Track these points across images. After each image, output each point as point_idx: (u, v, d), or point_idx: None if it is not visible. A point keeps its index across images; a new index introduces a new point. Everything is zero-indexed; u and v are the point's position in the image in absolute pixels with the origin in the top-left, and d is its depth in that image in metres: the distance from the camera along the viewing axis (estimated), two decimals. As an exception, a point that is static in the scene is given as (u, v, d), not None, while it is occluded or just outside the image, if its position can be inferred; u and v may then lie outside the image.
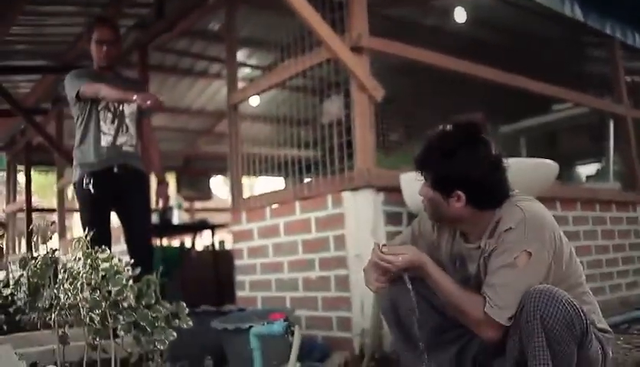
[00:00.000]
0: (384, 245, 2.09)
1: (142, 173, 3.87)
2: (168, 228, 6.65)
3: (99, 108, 3.71)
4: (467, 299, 1.93)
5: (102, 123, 3.71)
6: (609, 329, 2.06)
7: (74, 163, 3.80)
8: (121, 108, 3.76)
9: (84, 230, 2.33)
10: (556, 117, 6.11)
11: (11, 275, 3.73)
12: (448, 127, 2.03)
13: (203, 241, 10.16)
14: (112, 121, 3.73)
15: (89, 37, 3.84)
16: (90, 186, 3.63)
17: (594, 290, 4.31)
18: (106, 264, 2.21)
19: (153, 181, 4.09)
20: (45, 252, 2.50)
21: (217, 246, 7.45)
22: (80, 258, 2.26)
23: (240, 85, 4.50)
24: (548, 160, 3.19)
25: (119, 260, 2.25)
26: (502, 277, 1.88)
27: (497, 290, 1.87)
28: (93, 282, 2.17)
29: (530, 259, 1.87)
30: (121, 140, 3.74)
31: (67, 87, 3.79)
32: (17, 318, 3.17)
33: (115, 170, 3.69)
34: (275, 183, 4.84)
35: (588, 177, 6.45)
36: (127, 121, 3.77)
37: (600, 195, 4.90)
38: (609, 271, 4.71)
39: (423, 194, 2.06)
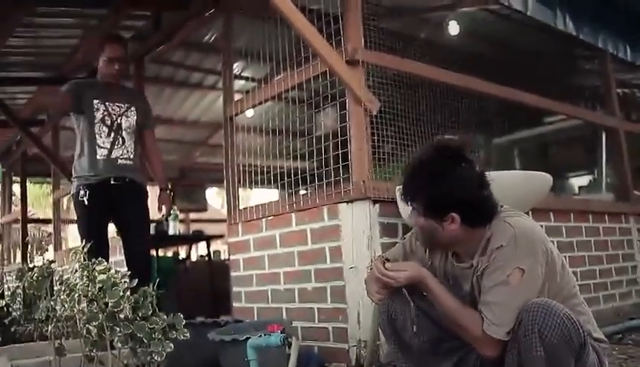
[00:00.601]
0: (387, 260, 2.11)
1: (139, 184, 3.89)
2: (163, 239, 6.65)
3: (95, 122, 3.75)
4: (467, 316, 1.94)
5: (97, 137, 3.75)
6: (605, 339, 2.08)
7: (72, 175, 3.84)
8: (118, 121, 3.79)
9: (82, 242, 2.35)
10: (549, 129, 6.16)
11: (6, 286, 3.74)
12: (429, 152, 2.05)
13: (197, 251, 10.17)
14: (108, 135, 3.77)
15: (98, 52, 3.88)
16: (85, 199, 3.67)
17: (588, 300, 4.33)
18: (103, 276, 2.22)
19: (154, 191, 4.12)
20: (41, 264, 2.52)
21: (211, 257, 7.46)
22: (76, 270, 2.27)
23: (236, 97, 4.52)
24: (542, 173, 3.22)
25: (116, 271, 2.26)
26: (496, 295, 1.89)
27: (492, 308, 1.88)
28: (89, 294, 2.18)
29: (523, 276, 1.87)
30: (116, 153, 3.77)
31: (66, 86, 3.86)
32: (13, 329, 3.18)
33: (112, 181, 3.72)
34: (271, 194, 4.88)
35: (581, 189, 6.49)
36: (124, 134, 3.81)
37: (593, 206, 4.94)
38: (603, 282, 4.74)
39: (415, 224, 2.08)
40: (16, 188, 10.34)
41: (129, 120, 3.84)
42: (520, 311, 1.84)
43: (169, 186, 4.12)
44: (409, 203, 2.07)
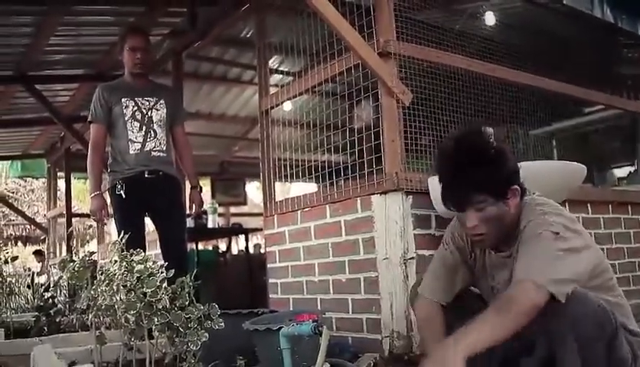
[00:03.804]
0: None
1: (174, 177, 3.97)
2: (202, 232, 6.75)
3: (127, 119, 3.83)
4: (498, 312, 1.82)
5: (129, 132, 3.84)
6: (639, 330, 2.07)
7: (108, 170, 3.94)
8: (149, 114, 3.87)
9: (119, 234, 2.43)
10: (588, 119, 6.06)
11: (52, 279, 3.86)
12: (454, 148, 2.03)
13: (238, 245, 10.29)
14: (140, 129, 3.86)
15: (122, 46, 3.97)
16: (122, 192, 3.76)
17: (627, 293, 4.27)
18: (141, 266, 2.29)
19: (188, 186, 4.20)
20: (83, 255, 2.60)
21: (251, 250, 7.56)
22: (115, 261, 2.34)
23: (273, 91, 4.56)
24: (575, 163, 3.19)
25: (153, 262, 2.32)
26: (527, 254, 1.88)
27: (526, 262, 1.86)
28: (128, 284, 2.25)
29: (557, 237, 1.85)
30: (150, 145, 3.85)
31: (92, 103, 3.95)
32: (58, 320, 3.29)
33: (146, 175, 3.81)
34: (309, 187, 4.93)
35: (620, 180, 6.37)
36: (155, 127, 3.89)
37: (633, 197, 4.85)
38: (643, 274, 4.67)
39: (484, 217, 2.01)
40: (61, 183, 10.59)
41: (160, 113, 3.92)
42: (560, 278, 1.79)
43: (200, 183, 4.18)
44: (466, 206, 2.02)
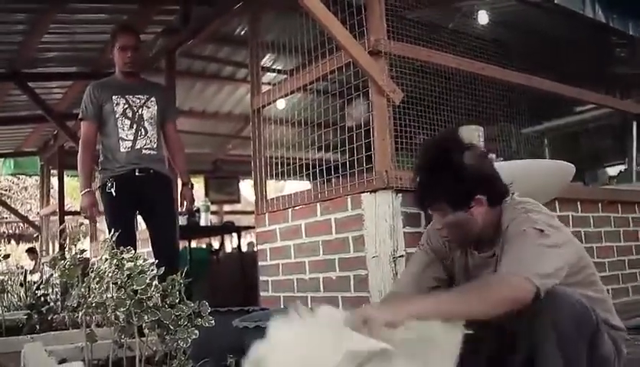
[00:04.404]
0: None
1: (165, 175, 3.98)
2: (195, 230, 6.76)
3: (117, 117, 3.85)
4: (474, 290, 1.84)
5: (120, 130, 3.85)
6: (623, 327, 2.09)
7: (99, 168, 3.95)
8: (139, 112, 3.89)
9: (109, 232, 2.44)
10: (579, 118, 6.10)
11: (44, 277, 3.86)
12: (430, 153, 2.09)
13: (232, 243, 10.30)
14: (131, 126, 3.87)
15: (112, 44, 3.98)
16: (113, 190, 3.77)
17: (616, 291, 4.34)
18: (131, 264, 2.30)
19: (179, 184, 4.21)
20: (74, 252, 2.60)
21: (245, 248, 7.57)
22: (106, 259, 2.35)
23: (266, 89, 4.58)
24: (564, 162, 3.22)
25: (144, 260, 2.33)
26: (510, 249, 1.89)
27: (510, 258, 1.86)
28: (118, 281, 2.26)
29: (541, 234, 1.86)
30: (140, 143, 3.86)
31: (83, 101, 3.95)
32: (50, 318, 3.29)
33: (137, 173, 3.82)
34: (302, 185, 4.93)
35: (611, 178, 6.41)
36: (145, 124, 3.90)
37: (623, 196, 4.88)
38: (632, 273, 4.68)
39: (445, 223, 2.06)
40: (54, 181, 10.57)
41: (150, 110, 3.93)
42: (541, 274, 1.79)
43: (191, 180, 4.19)
44: (429, 210, 2.08)
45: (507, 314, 1.77)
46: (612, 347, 1.98)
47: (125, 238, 2.70)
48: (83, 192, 3.83)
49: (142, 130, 3.89)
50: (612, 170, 6.90)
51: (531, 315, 1.81)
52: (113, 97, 3.88)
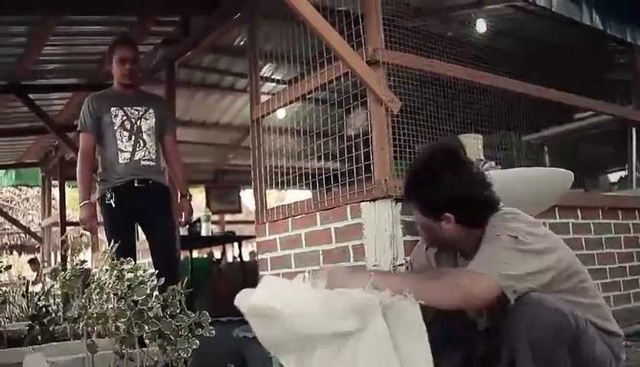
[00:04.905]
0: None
1: (164, 186, 3.99)
2: (196, 240, 6.77)
3: (116, 128, 3.86)
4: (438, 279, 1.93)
5: (119, 142, 3.86)
6: (620, 333, 2.10)
7: (98, 179, 3.96)
8: (138, 124, 3.90)
9: (109, 244, 2.45)
10: (578, 125, 6.10)
11: (46, 288, 3.87)
12: (427, 154, 2.18)
13: (233, 252, 10.31)
14: (130, 138, 3.88)
15: (111, 57, 4.00)
16: (112, 201, 3.78)
17: (618, 298, 4.33)
18: (131, 275, 2.31)
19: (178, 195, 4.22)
20: (75, 263, 2.62)
21: (246, 257, 7.58)
22: (107, 270, 2.37)
23: (266, 99, 4.59)
24: (562, 169, 3.22)
25: (144, 271, 2.34)
26: (481, 253, 1.93)
27: (477, 258, 1.91)
28: (119, 292, 2.27)
29: (515, 240, 1.89)
30: (139, 155, 3.88)
31: (81, 113, 3.97)
32: (51, 328, 3.30)
33: (136, 184, 3.83)
34: (303, 195, 4.93)
35: (611, 185, 6.42)
36: (144, 136, 3.92)
37: (623, 202, 4.88)
38: (634, 279, 4.67)
39: (419, 224, 2.18)
40: (55, 192, 10.59)
41: (149, 122, 3.95)
42: (512, 307, 1.84)
43: (189, 192, 4.20)
44: (410, 203, 2.20)
45: (467, 309, 1.92)
46: (609, 353, 1.99)
47: (125, 249, 2.72)
48: (82, 204, 3.84)
49: (141, 141, 3.90)
50: (613, 177, 6.91)
51: (509, 321, 1.86)
52: (112, 109, 3.89)
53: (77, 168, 3.94)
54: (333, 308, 1.72)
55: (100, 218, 3.99)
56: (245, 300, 1.79)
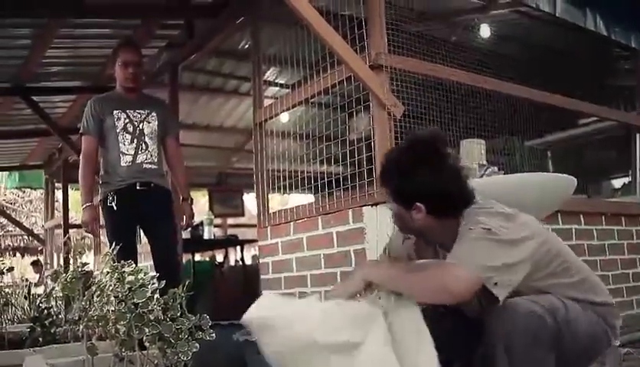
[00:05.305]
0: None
1: (165, 189, 3.99)
2: (199, 244, 6.77)
3: (118, 131, 3.86)
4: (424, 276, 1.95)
5: (121, 145, 3.86)
6: (610, 301, 2.12)
7: (100, 182, 3.96)
8: (140, 127, 3.90)
9: (110, 246, 2.45)
10: (582, 131, 6.09)
11: (48, 290, 3.87)
12: (404, 144, 2.21)
13: (236, 256, 10.29)
14: (132, 141, 3.88)
15: (114, 60, 4.00)
16: (113, 204, 3.78)
17: (620, 304, 4.32)
18: (132, 277, 2.30)
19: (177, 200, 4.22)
20: (76, 265, 2.61)
21: (249, 261, 7.57)
22: (108, 272, 2.36)
23: (269, 103, 4.59)
24: (565, 175, 3.20)
25: (145, 273, 2.34)
26: (459, 246, 1.93)
27: (455, 252, 1.91)
28: (119, 294, 2.26)
29: (488, 231, 1.88)
30: (141, 158, 3.87)
31: (84, 115, 3.97)
32: (53, 331, 3.29)
33: (138, 187, 3.83)
34: (307, 199, 4.95)
35: (615, 191, 6.40)
36: (146, 139, 3.92)
37: (626, 209, 4.86)
38: (636, 285, 4.66)
39: (392, 211, 2.18)
40: (59, 194, 10.60)
41: (151, 125, 3.95)
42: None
43: (191, 195, 4.19)
44: (384, 189, 2.21)
45: (448, 303, 1.90)
46: (602, 324, 2.02)
47: (126, 252, 2.71)
48: (85, 206, 3.84)
49: (143, 145, 3.90)
50: (616, 183, 6.89)
51: (485, 335, 1.89)
52: (114, 112, 3.90)
53: (79, 171, 3.94)
54: (334, 319, 1.74)
55: (102, 221, 3.99)
56: (251, 313, 1.87)
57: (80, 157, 3.98)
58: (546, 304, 1.88)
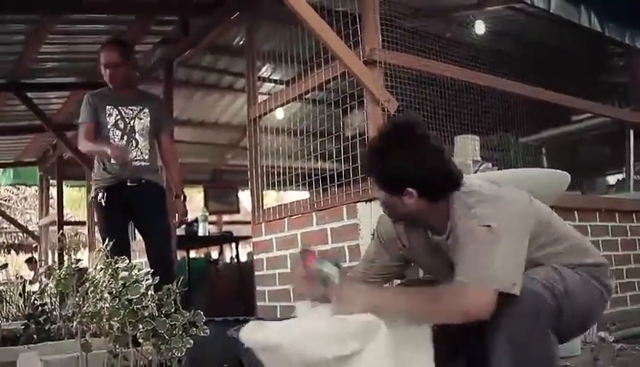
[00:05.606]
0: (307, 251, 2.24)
1: (158, 186, 3.98)
2: (193, 240, 6.76)
3: (109, 126, 3.85)
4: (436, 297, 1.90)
5: (112, 141, 3.85)
6: (603, 261, 2.12)
7: (92, 179, 3.96)
8: (131, 124, 3.90)
9: (103, 242, 2.45)
10: (576, 127, 6.10)
11: (43, 286, 3.87)
12: (383, 130, 2.14)
13: (231, 253, 10.28)
14: (122, 138, 3.88)
15: (99, 60, 3.99)
16: (103, 201, 3.78)
17: (614, 300, 4.32)
18: (125, 273, 2.30)
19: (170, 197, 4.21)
20: (70, 262, 2.61)
21: (244, 258, 7.56)
22: (101, 268, 2.36)
23: (263, 99, 4.59)
24: (558, 171, 3.21)
25: (139, 270, 2.34)
26: (464, 254, 1.88)
27: (461, 267, 1.87)
28: (113, 291, 2.26)
29: (489, 229, 1.86)
30: (131, 155, 3.86)
31: (82, 108, 3.96)
32: (47, 327, 3.29)
33: (129, 183, 3.83)
34: (302, 195, 4.95)
35: (609, 187, 6.42)
36: (137, 136, 3.91)
37: (620, 205, 4.87)
38: (631, 282, 4.67)
39: (380, 201, 2.13)
40: (53, 191, 10.58)
41: (143, 122, 3.94)
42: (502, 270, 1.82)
43: (184, 193, 4.17)
44: (370, 179, 2.20)
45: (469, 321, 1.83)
46: (598, 287, 2.02)
47: (119, 248, 2.70)
48: (107, 149, 3.75)
49: (133, 141, 3.90)
50: (610, 179, 6.91)
51: (484, 332, 1.87)
52: (107, 107, 3.89)
53: (83, 148, 3.94)
54: (334, 333, 1.76)
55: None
56: (251, 335, 1.88)
57: (79, 139, 3.95)
58: (543, 280, 1.88)
